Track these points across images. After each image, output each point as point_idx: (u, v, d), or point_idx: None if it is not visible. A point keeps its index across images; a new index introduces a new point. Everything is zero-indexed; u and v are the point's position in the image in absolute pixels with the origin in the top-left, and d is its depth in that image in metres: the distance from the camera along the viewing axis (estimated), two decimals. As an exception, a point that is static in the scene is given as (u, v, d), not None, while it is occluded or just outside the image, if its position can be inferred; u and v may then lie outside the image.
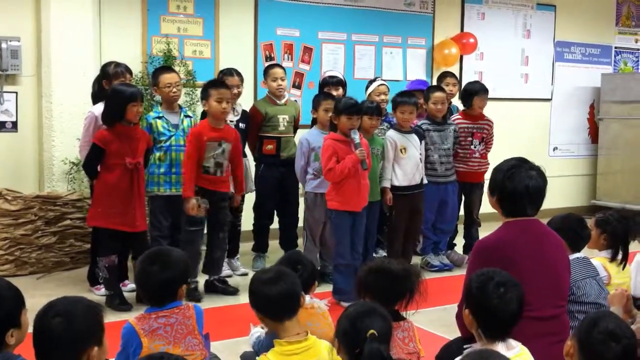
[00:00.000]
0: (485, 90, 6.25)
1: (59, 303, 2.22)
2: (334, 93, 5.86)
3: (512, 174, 3.01)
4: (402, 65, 7.96)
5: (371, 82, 6.39)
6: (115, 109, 4.77)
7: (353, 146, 4.96)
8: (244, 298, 5.19)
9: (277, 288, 2.65)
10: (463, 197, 6.36)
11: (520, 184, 2.98)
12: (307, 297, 3.20)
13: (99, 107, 5.14)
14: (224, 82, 5.27)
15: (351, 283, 4.10)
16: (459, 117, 6.31)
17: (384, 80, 6.54)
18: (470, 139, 6.24)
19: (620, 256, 3.93)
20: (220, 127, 5.05)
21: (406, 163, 5.57)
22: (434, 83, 7.33)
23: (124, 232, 4.85)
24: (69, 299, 2.26)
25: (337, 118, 5.05)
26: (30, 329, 2.28)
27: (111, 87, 4.96)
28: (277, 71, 5.90)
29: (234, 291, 5.22)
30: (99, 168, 4.87)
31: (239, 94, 5.70)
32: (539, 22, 8.90)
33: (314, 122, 5.75)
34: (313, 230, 5.53)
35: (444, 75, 6.78)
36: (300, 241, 6.14)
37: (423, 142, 5.83)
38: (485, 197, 6.30)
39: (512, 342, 2.55)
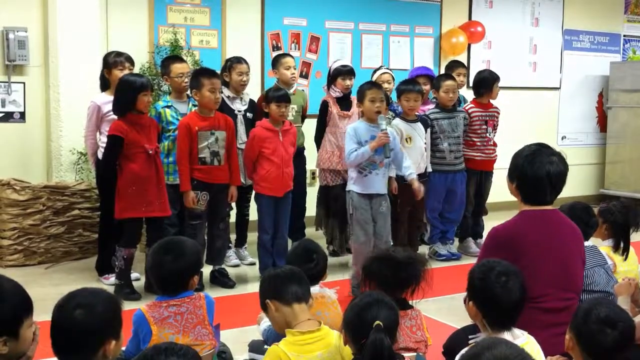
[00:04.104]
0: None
1: (80, 294, 2.20)
2: (347, 82, 5.85)
3: (533, 159, 2.98)
4: (410, 54, 7.93)
5: (376, 70, 6.39)
6: (126, 99, 4.77)
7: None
8: (252, 287, 5.21)
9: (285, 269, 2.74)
10: (474, 186, 6.30)
11: (541, 169, 2.95)
12: (317, 287, 3.21)
13: (102, 97, 5.19)
14: (214, 71, 5.23)
15: None
16: (472, 105, 6.30)
17: (391, 69, 6.53)
18: (485, 126, 6.23)
19: (622, 245, 3.92)
20: (211, 115, 5.01)
21: (411, 153, 5.52)
22: (442, 72, 7.33)
23: (149, 218, 4.89)
24: (90, 291, 2.24)
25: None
26: (37, 318, 2.27)
27: (120, 77, 4.97)
28: (289, 60, 5.89)
29: (232, 284, 5.21)
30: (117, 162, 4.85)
31: (247, 82, 5.70)
32: (547, 10, 8.84)
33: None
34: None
35: (454, 65, 6.77)
36: (307, 230, 6.17)
37: (428, 130, 5.81)
38: (494, 187, 6.38)
39: (517, 331, 2.56)
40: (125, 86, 4.81)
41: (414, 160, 5.55)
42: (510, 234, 2.97)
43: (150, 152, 4.80)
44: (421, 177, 5.66)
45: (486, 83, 6.27)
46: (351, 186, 4.94)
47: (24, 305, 2.20)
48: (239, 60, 5.66)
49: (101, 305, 2.17)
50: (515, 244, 2.90)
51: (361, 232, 4.90)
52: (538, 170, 2.96)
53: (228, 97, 5.57)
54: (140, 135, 4.79)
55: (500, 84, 6.37)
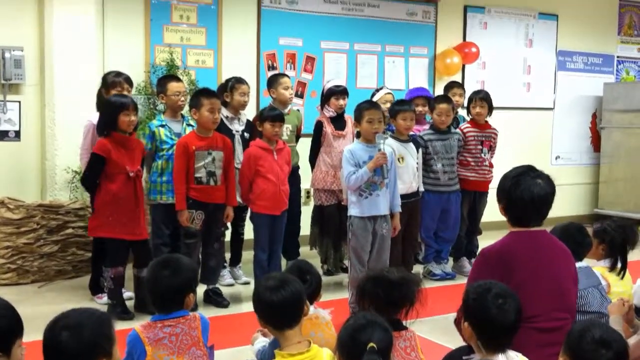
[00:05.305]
0: (482, 98, 6.25)
1: (68, 316, 2.18)
2: (341, 102, 5.89)
3: (518, 181, 3.00)
4: (405, 74, 7.97)
5: (377, 90, 6.41)
6: (107, 120, 4.82)
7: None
8: (246, 307, 5.19)
9: (280, 295, 2.63)
10: (468, 205, 6.30)
11: (526, 192, 2.96)
12: (311, 308, 3.19)
13: (97, 116, 5.20)
14: (214, 91, 5.28)
15: None
16: (468, 125, 6.31)
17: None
18: (480, 147, 6.24)
19: (619, 265, 3.93)
20: (209, 135, 5.04)
21: (404, 172, 5.51)
22: (437, 92, 7.37)
23: (128, 241, 4.86)
24: (80, 311, 2.23)
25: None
26: (30, 337, 2.26)
27: (104, 98, 5.02)
28: (287, 80, 5.96)
29: (226, 304, 5.20)
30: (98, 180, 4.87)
31: (248, 102, 5.74)
32: (541, 31, 8.92)
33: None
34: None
35: (451, 86, 6.81)
36: (302, 249, 6.16)
37: (420, 150, 5.80)
38: (488, 207, 6.38)
39: (512, 353, 2.56)
40: (106, 106, 4.88)
41: (406, 179, 5.54)
42: (500, 254, 2.97)
43: (131, 174, 4.80)
44: (413, 196, 5.66)
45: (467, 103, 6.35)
46: (351, 211, 4.90)
47: (18, 323, 2.21)
48: (240, 80, 5.71)
49: (90, 326, 2.15)
50: (506, 265, 2.90)
51: (357, 263, 4.88)
52: (523, 193, 2.97)
53: (227, 117, 5.60)
54: (123, 156, 4.80)
55: (494, 104, 6.37)
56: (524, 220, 3.02)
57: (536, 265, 2.93)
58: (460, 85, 6.94)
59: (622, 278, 3.93)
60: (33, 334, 2.41)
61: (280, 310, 2.63)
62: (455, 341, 3.28)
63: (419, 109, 6.22)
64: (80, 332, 2.12)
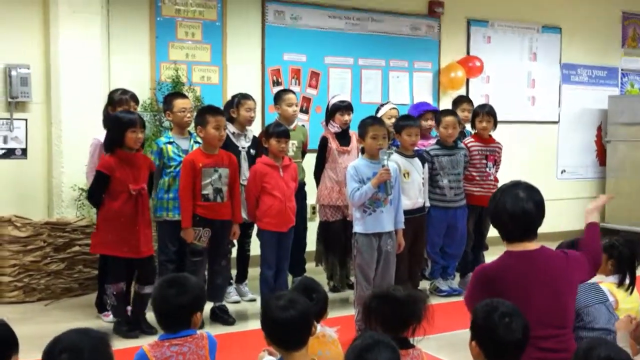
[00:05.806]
0: (488, 113, 6.24)
1: (66, 337, 2.19)
2: (346, 117, 5.91)
3: (500, 196, 3.03)
4: (409, 88, 7.99)
5: (382, 105, 6.42)
6: (114, 136, 4.82)
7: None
8: (252, 324, 5.18)
9: (288, 315, 2.60)
10: (474, 221, 6.28)
11: (505, 206, 2.98)
12: (318, 326, 3.19)
13: (104, 134, 5.21)
14: (219, 109, 5.30)
15: None
16: (472, 140, 6.30)
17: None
18: (484, 161, 6.22)
19: (627, 281, 3.90)
20: (215, 152, 5.06)
21: (409, 187, 5.49)
22: (442, 107, 7.38)
23: (130, 258, 4.86)
24: (75, 332, 2.23)
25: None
26: (33, 356, 2.26)
27: (112, 115, 5.03)
28: (292, 97, 5.97)
29: (232, 321, 5.19)
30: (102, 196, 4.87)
31: (254, 117, 5.76)
32: (545, 45, 8.93)
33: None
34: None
35: (460, 101, 6.81)
36: (308, 266, 6.15)
37: (426, 165, 5.79)
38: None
39: (518, 371, 2.55)
40: (113, 122, 4.87)
41: (412, 195, 5.52)
42: (494, 273, 2.98)
43: (133, 192, 4.78)
44: (419, 211, 5.64)
45: (472, 116, 6.34)
46: (355, 227, 4.85)
47: (13, 339, 2.23)
48: (246, 96, 5.74)
49: (87, 346, 2.16)
50: (497, 285, 2.89)
51: (363, 280, 4.83)
52: (503, 209, 2.99)
53: (233, 133, 5.62)
54: (127, 174, 4.78)
55: (499, 118, 6.37)
56: (511, 236, 3.02)
57: (531, 285, 2.91)
58: (469, 101, 6.90)
59: (630, 294, 3.90)
60: (39, 353, 2.41)
61: (288, 330, 2.61)
62: (462, 358, 3.26)
63: (430, 122, 6.24)
64: (79, 354, 2.13)
